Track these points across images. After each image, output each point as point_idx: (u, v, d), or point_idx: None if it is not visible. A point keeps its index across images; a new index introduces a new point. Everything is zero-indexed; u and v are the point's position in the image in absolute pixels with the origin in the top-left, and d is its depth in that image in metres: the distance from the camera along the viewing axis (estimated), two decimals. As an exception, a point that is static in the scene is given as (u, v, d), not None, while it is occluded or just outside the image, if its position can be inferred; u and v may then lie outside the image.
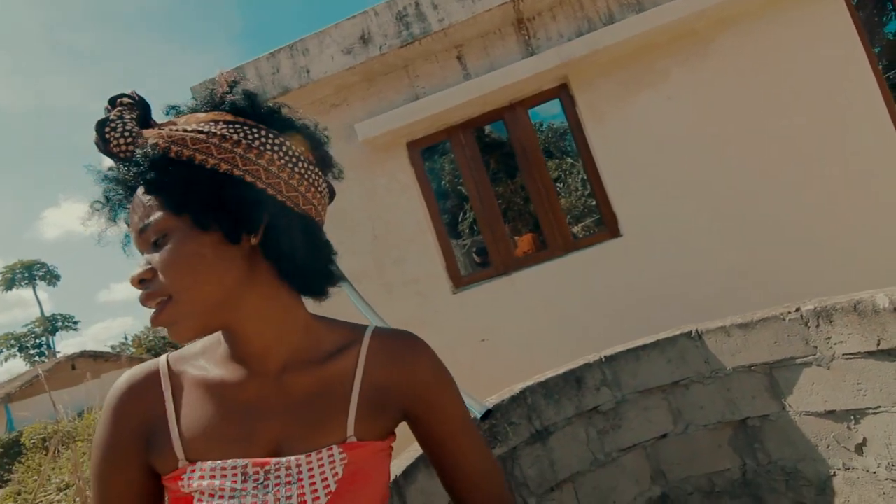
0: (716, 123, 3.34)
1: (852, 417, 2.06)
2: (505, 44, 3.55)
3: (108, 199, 0.61)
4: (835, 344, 2.05)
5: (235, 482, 0.58)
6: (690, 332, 2.37)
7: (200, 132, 0.59)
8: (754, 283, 3.21)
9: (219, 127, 0.60)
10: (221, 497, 0.58)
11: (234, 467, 0.59)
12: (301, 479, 0.60)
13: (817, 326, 2.09)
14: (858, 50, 3.25)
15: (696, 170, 3.32)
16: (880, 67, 3.31)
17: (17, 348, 34.76)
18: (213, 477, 0.58)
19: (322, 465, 0.61)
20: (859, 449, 2.06)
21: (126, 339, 31.64)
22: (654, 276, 3.30)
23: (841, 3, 3.30)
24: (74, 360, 18.14)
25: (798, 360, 2.14)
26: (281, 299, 0.65)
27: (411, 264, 3.54)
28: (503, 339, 3.38)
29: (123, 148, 0.59)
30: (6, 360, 34.58)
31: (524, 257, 3.59)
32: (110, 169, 0.61)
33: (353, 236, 3.58)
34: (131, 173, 0.59)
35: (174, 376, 0.66)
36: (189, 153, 0.58)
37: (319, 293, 0.67)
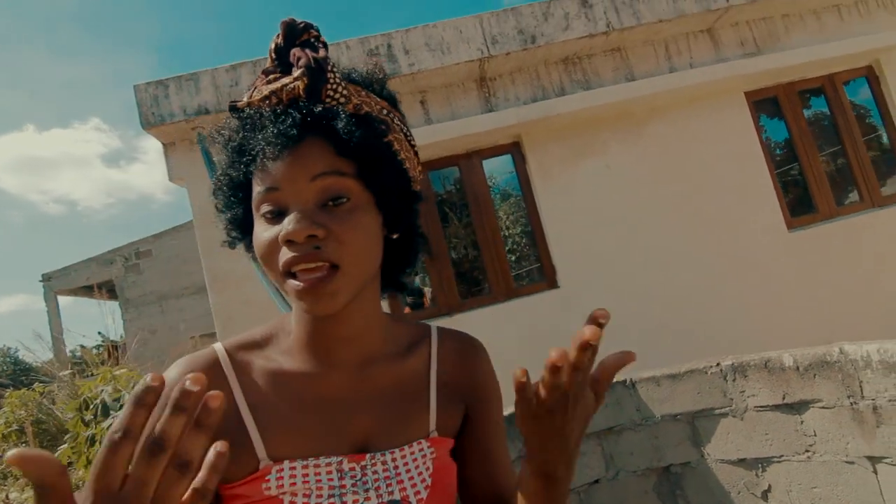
0: (646, 194, 3.75)
1: (760, 465, 2.30)
2: (467, 97, 3.77)
3: (269, 129, 0.52)
4: (748, 397, 2.31)
5: (332, 480, 0.55)
6: (626, 381, 2.53)
7: (397, 121, 0.58)
8: (677, 336, 3.54)
9: (398, 117, 0.59)
10: (319, 497, 0.54)
11: (329, 464, 0.55)
12: (399, 475, 0.58)
13: (734, 380, 2.35)
14: (756, 147, 3.89)
15: (629, 233, 3.68)
16: (773, 164, 3.98)
17: None
18: (305, 476, 0.54)
19: (416, 460, 0.60)
20: (765, 495, 2.29)
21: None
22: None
23: (745, 108, 3.96)
24: None
25: (717, 411, 2.38)
26: (376, 292, 0.63)
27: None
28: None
29: (337, 96, 0.53)
30: None
31: (467, 300, 3.68)
32: (290, 105, 0.53)
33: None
34: (334, 124, 0.52)
35: (238, 367, 0.58)
36: (391, 137, 0.57)
37: (402, 291, 0.68)
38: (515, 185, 3.85)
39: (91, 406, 4.41)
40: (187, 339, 9.57)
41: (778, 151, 4.42)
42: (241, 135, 0.55)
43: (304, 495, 0.53)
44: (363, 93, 0.57)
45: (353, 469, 0.56)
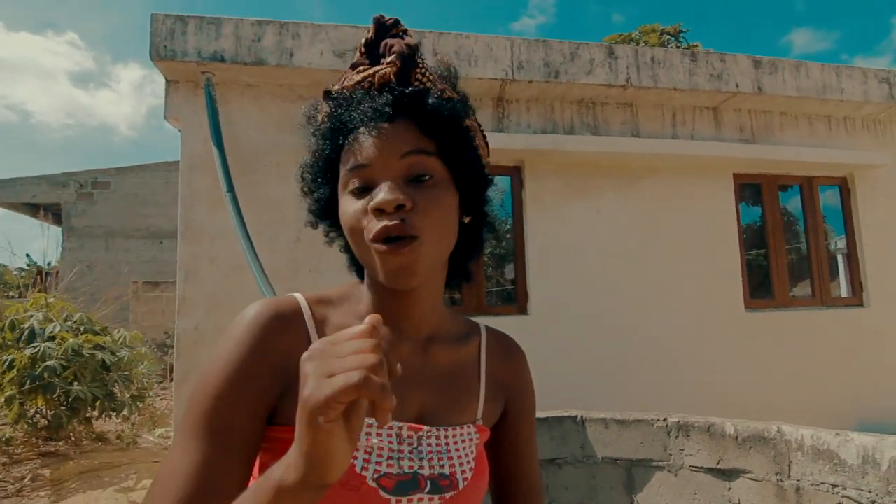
0: (629, 245, 3.91)
1: (683, 522, 2.41)
2: (481, 113, 3.84)
3: (362, 110, 0.55)
4: (686, 455, 2.43)
5: (392, 443, 0.57)
6: (576, 417, 2.61)
7: (471, 112, 0.62)
8: (630, 384, 3.68)
9: (472, 110, 0.63)
10: (380, 456, 0.56)
11: (391, 427, 0.58)
12: (449, 452, 0.60)
13: (676, 437, 2.46)
14: (733, 225, 4.14)
15: (604, 278, 3.82)
16: (743, 245, 4.24)
17: None
18: (368, 434, 0.56)
19: (464, 441, 0.62)
20: (683, 551, 2.40)
21: None
22: (549, 357, 3.60)
23: (731, 188, 4.21)
24: None
25: (654, 463, 2.48)
26: (443, 278, 0.65)
27: (327, 283, 3.42)
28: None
29: (424, 80, 0.57)
30: None
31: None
32: (382, 89, 0.56)
33: (280, 230, 3.39)
34: (421, 105, 0.56)
35: (317, 319, 0.60)
36: (468, 123, 0.60)
37: (468, 280, 0.70)
38: (507, 207, 3.92)
39: (16, 329, 4.13)
40: (129, 282, 9.11)
41: (746, 234, 4.70)
42: (333, 116, 0.58)
43: (366, 451, 0.55)
44: (441, 79, 0.61)
45: (410, 437, 0.59)
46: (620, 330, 3.79)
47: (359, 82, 0.57)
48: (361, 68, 0.59)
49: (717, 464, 2.35)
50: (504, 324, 3.61)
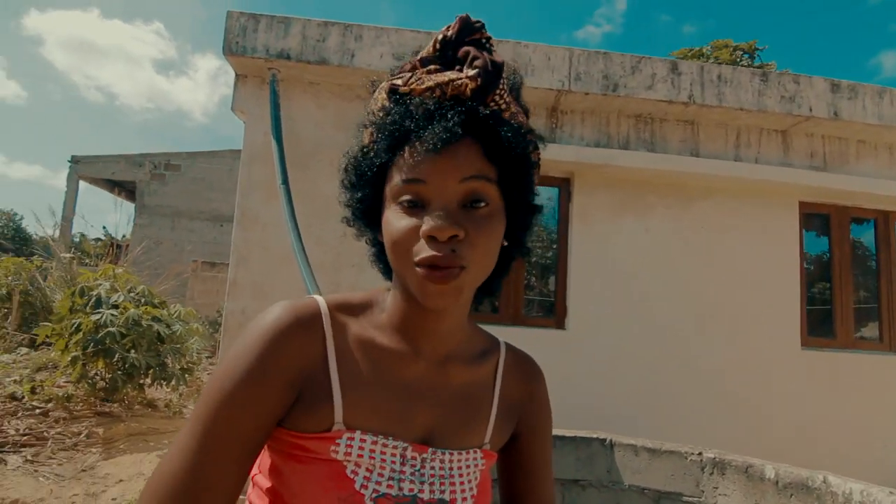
0: (678, 268, 3.77)
1: (710, 564, 2.30)
2: (534, 121, 3.78)
3: (428, 120, 0.53)
4: (719, 494, 2.31)
5: (395, 463, 0.56)
6: (605, 440, 2.54)
7: (535, 135, 0.60)
8: (665, 414, 3.54)
9: (534, 130, 0.60)
10: (381, 475, 0.55)
11: (395, 447, 0.56)
12: (452, 476, 0.59)
13: (711, 474, 2.35)
14: (795, 257, 3.89)
15: (649, 301, 3.69)
16: (805, 279, 3.98)
17: None
18: (372, 452, 0.55)
19: (468, 467, 0.61)
20: None
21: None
22: (582, 375, 3.53)
23: (795, 217, 3.96)
24: None
25: (685, 498, 2.38)
26: (471, 297, 0.63)
27: (368, 279, 3.51)
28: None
29: (500, 102, 0.55)
30: None
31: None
32: (453, 101, 0.53)
33: (327, 225, 3.51)
34: (491, 128, 0.53)
35: (336, 325, 0.58)
36: (534, 156, 0.59)
37: (492, 295, 0.68)
38: (552, 218, 3.87)
39: (86, 295, 4.48)
40: (189, 261, 9.67)
41: (809, 267, 4.41)
42: (397, 120, 0.54)
43: (368, 469, 0.55)
44: (514, 102, 0.58)
45: (414, 458, 0.58)
46: (661, 355, 3.65)
47: (431, 88, 0.54)
48: (432, 68, 0.56)
49: (753, 507, 2.23)
50: (540, 337, 3.58)
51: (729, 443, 3.25)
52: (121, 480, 3.17)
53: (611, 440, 2.53)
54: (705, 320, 3.74)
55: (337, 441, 0.54)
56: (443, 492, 0.58)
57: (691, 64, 3.76)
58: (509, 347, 0.72)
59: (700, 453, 2.39)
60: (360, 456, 0.54)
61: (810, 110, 3.75)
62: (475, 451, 0.62)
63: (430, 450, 0.59)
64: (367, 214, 0.60)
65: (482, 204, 0.54)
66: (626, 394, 3.57)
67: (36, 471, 3.08)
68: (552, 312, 3.79)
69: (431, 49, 0.56)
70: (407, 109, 0.54)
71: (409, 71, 0.58)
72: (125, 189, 13.29)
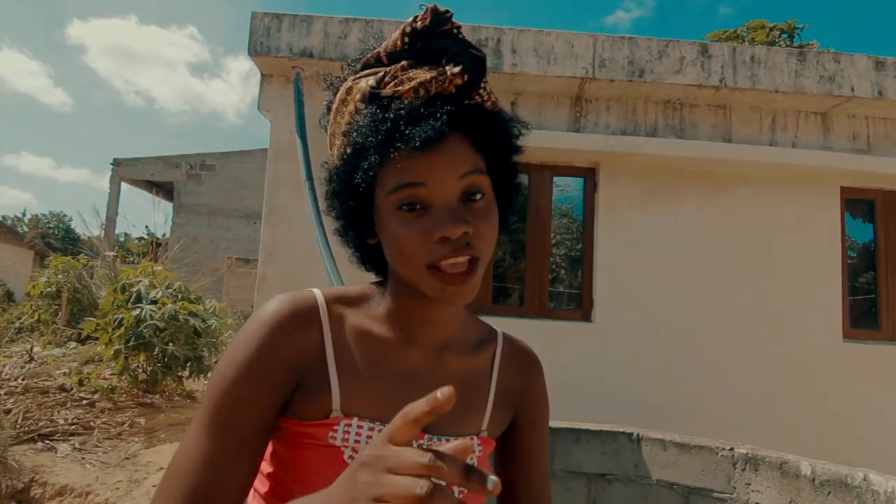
0: (710, 258, 3.65)
1: (744, 561, 2.24)
2: (558, 111, 3.75)
3: (415, 122, 0.52)
4: (752, 491, 2.24)
5: None
6: (632, 434, 2.50)
7: (521, 123, 0.61)
8: (696, 409, 3.46)
9: (520, 121, 0.61)
10: None
11: None
12: None
13: (743, 470, 2.28)
14: (836, 246, 3.71)
15: (680, 293, 3.60)
16: (847, 268, 3.79)
17: None
18: (369, 437, 0.56)
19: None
20: (738, 592, 2.23)
21: (24, 214, 28.54)
22: (608, 367, 3.48)
23: (837, 203, 3.78)
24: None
25: (715, 494, 2.32)
26: None
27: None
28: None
29: (483, 94, 0.56)
30: None
31: (498, 305, 3.69)
32: (436, 98, 0.53)
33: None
34: (476, 121, 0.54)
35: (333, 318, 0.60)
36: (517, 142, 0.60)
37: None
38: (578, 208, 3.81)
39: (126, 292, 4.69)
40: (224, 257, 9.99)
41: (852, 255, 4.19)
42: (383, 127, 0.53)
43: None
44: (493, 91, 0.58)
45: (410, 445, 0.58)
46: (692, 348, 3.56)
47: (415, 88, 0.53)
48: (406, 65, 0.54)
49: (788, 504, 2.15)
50: (566, 330, 3.54)
51: (765, 438, 3.14)
52: (161, 468, 3.32)
53: (638, 434, 2.49)
54: (740, 312, 3.62)
55: (335, 427, 0.56)
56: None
57: (722, 46, 3.62)
58: (507, 338, 0.72)
59: (732, 448, 2.32)
60: (356, 441, 0.56)
61: (852, 90, 3.55)
62: (472, 438, 0.63)
63: (426, 436, 0.60)
64: (359, 222, 0.60)
65: (479, 196, 0.54)
66: (655, 388, 3.49)
67: (83, 458, 3.26)
68: (579, 305, 3.74)
69: (399, 41, 0.55)
70: (392, 112, 0.53)
71: (374, 65, 0.58)
72: (163, 189, 13.81)
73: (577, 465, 2.49)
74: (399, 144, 0.52)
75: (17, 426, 3.42)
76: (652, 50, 3.56)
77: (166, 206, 13.37)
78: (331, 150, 0.64)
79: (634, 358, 3.51)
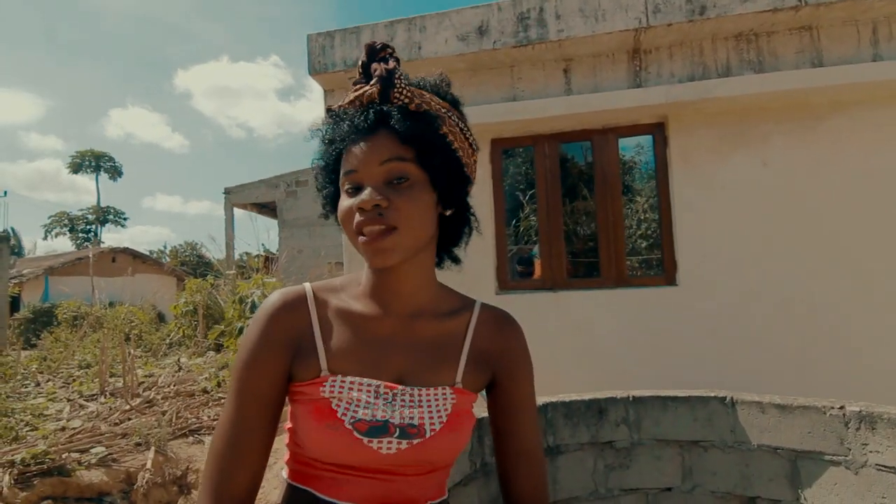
0: (805, 203, 3.27)
1: (867, 528, 2.03)
2: (615, 69, 3.56)
3: (352, 125, 0.70)
4: (870, 452, 2.02)
5: (369, 397, 0.71)
6: (725, 398, 2.37)
7: (454, 118, 0.73)
8: (795, 367, 3.15)
9: (456, 115, 0.74)
10: (357, 406, 0.70)
11: (370, 385, 0.72)
12: (420, 407, 0.72)
13: (857, 430, 2.06)
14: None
15: (773, 244, 3.27)
16: None
17: (68, 228, 36.97)
18: (350, 389, 0.71)
19: (437, 399, 0.74)
20: (864, 560, 2.03)
21: (165, 247, 33.17)
22: (699, 332, 3.28)
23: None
24: (116, 254, 19.14)
25: (827, 457, 2.12)
26: (431, 260, 0.79)
27: (463, 255, 3.63)
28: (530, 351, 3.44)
29: (402, 98, 0.69)
30: (56, 237, 36.86)
31: (575, 279, 3.63)
32: (369, 106, 0.70)
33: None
34: (399, 119, 0.68)
35: (319, 302, 0.77)
36: (445, 130, 0.71)
37: (457, 262, 0.84)
38: (650, 168, 3.60)
39: (244, 303, 5.33)
40: (325, 263, 10.81)
41: None
42: (332, 129, 0.73)
43: (347, 402, 0.70)
44: (426, 95, 0.72)
45: (386, 393, 0.72)
46: (787, 307, 3.21)
47: (351, 101, 0.72)
48: (357, 87, 0.72)
49: (916, 465, 1.92)
50: (649, 296, 3.40)
51: (875, 398, 2.78)
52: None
53: (731, 398, 2.35)
54: (838, 263, 3.19)
55: (324, 384, 0.71)
56: (412, 418, 0.71)
57: (797, -41, 3.18)
58: (486, 307, 0.85)
59: (842, 407, 2.11)
60: (340, 392, 0.70)
61: (980, -26, 2.94)
62: (444, 388, 0.75)
63: (400, 387, 0.73)
64: (334, 206, 0.77)
65: (404, 179, 0.69)
66: (745, 352, 3.21)
67: (223, 448, 3.80)
68: (661, 269, 3.54)
69: (358, 74, 0.74)
70: (338, 120, 0.73)
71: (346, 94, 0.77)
72: (268, 209, 15.22)
73: (665, 434, 2.41)
74: (340, 141, 0.72)
75: (172, 424, 4.07)
76: (712, -18, 3.23)
77: (273, 223, 14.74)
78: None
79: (723, 319, 3.25)
